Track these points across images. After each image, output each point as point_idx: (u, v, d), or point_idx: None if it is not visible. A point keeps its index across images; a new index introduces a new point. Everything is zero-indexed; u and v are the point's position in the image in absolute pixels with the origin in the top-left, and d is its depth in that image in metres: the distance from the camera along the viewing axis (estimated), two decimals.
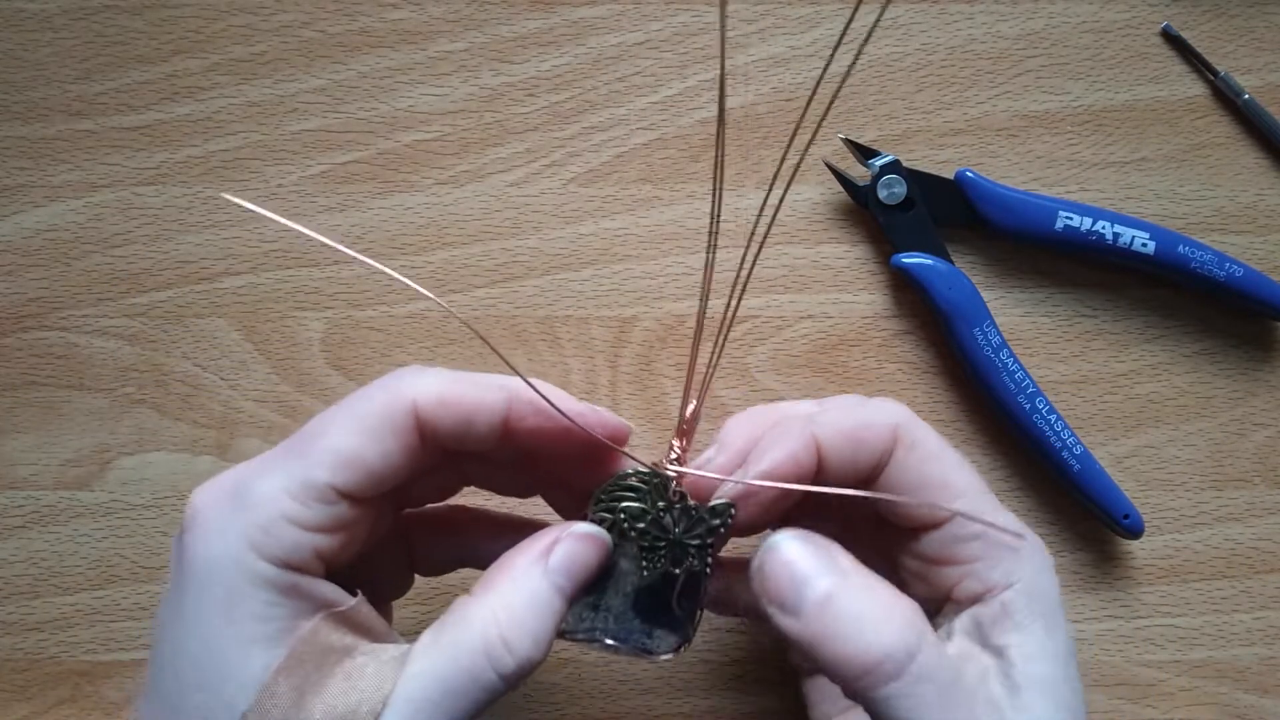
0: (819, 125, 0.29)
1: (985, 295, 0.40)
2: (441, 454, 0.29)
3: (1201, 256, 0.39)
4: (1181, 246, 0.39)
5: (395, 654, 0.26)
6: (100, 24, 0.42)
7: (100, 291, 0.42)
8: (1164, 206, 0.41)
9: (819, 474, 0.29)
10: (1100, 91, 0.42)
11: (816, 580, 0.27)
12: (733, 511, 0.29)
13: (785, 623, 0.27)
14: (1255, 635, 0.40)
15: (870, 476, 0.30)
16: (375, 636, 0.27)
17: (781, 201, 0.33)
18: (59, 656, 0.40)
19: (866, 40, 0.27)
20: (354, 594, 0.27)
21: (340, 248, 0.28)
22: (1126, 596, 0.40)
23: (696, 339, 0.30)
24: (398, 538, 0.33)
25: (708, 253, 0.29)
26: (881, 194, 0.40)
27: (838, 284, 0.41)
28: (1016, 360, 0.39)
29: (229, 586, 0.25)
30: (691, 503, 0.30)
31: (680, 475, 0.30)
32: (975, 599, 0.29)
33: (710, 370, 0.30)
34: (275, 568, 0.25)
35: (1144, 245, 0.39)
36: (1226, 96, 0.41)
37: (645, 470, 0.30)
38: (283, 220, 0.27)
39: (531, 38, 0.42)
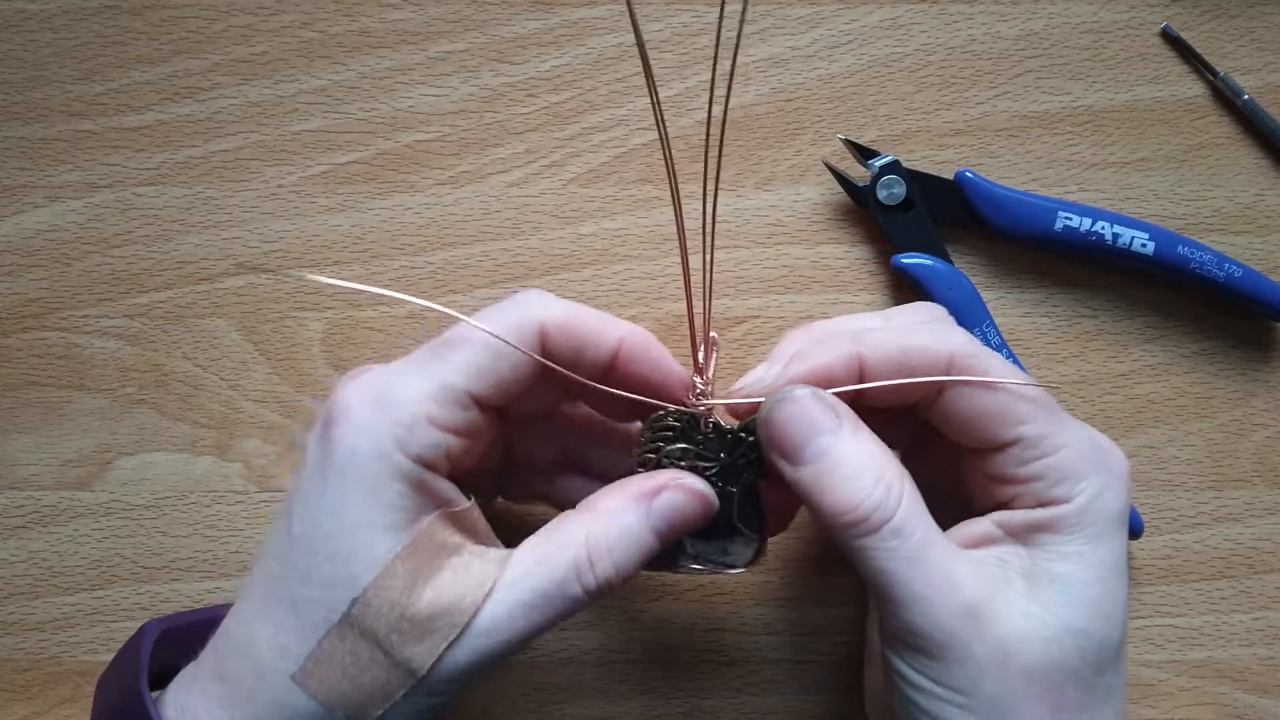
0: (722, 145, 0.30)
1: (985, 295, 0.40)
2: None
3: (1201, 257, 0.39)
4: (1181, 247, 0.39)
5: (497, 556, 0.29)
6: (100, 24, 0.42)
7: (100, 291, 0.42)
8: (1163, 207, 0.41)
9: (861, 397, 0.30)
10: (1100, 92, 0.42)
11: (818, 434, 0.28)
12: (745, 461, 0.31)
13: (786, 470, 0.29)
14: (1254, 635, 0.40)
15: (920, 405, 0.30)
16: (480, 539, 0.30)
17: (715, 207, 0.35)
18: (59, 656, 0.40)
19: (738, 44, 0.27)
20: (468, 498, 0.30)
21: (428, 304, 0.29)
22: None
23: (687, 284, 0.31)
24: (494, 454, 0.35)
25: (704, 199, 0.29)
26: (881, 194, 0.40)
27: (838, 284, 0.41)
28: (1016, 360, 0.39)
29: (370, 476, 0.27)
30: (725, 427, 0.32)
31: (709, 410, 0.31)
32: (1029, 508, 0.30)
33: (707, 297, 0.32)
34: (412, 463, 0.28)
35: (1143, 246, 0.39)
36: (1226, 97, 0.41)
37: (675, 409, 0.32)
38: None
39: (531, 38, 0.42)
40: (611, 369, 0.31)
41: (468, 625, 0.27)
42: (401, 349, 0.41)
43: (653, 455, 0.32)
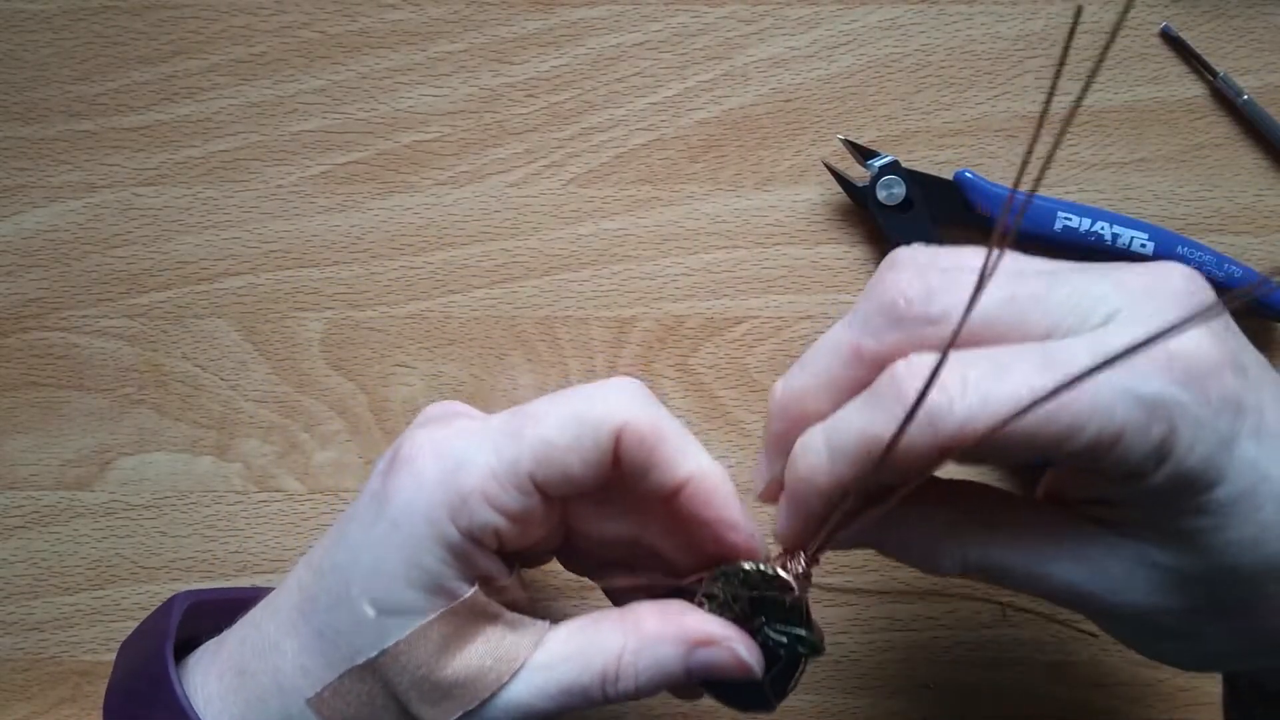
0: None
1: None
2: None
3: (1200, 257, 0.39)
4: (1180, 247, 0.39)
5: (531, 631, 0.29)
6: (100, 24, 0.42)
7: (100, 292, 0.42)
8: (1163, 207, 0.41)
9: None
10: (1100, 92, 0.42)
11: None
12: (803, 650, 0.30)
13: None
14: None
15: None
16: (518, 608, 0.30)
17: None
18: (59, 656, 0.40)
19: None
20: (511, 568, 0.30)
21: None
22: None
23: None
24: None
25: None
26: (881, 194, 0.40)
27: (837, 284, 0.41)
28: None
29: (416, 535, 0.28)
30: (781, 628, 0.30)
31: (803, 591, 0.29)
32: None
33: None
34: (460, 535, 0.28)
35: (1143, 246, 0.39)
36: (1225, 97, 0.41)
37: (764, 572, 0.29)
38: None
39: (531, 38, 0.42)
40: (673, 498, 0.29)
41: (488, 699, 0.28)
42: (401, 349, 0.41)
43: (718, 594, 0.30)
